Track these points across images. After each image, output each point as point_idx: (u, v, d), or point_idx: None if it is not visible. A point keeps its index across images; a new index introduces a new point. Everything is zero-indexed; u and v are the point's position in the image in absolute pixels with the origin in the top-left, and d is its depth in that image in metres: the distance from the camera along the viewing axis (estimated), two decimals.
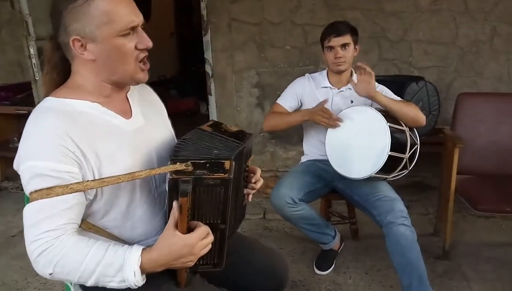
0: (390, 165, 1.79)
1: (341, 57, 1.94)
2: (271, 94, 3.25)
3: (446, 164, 2.24)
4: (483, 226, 2.55)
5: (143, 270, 0.91)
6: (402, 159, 1.82)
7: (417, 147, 1.88)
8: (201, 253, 0.95)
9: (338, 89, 2.05)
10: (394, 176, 1.89)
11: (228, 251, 1.05)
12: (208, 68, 3.35)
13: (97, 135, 0.96)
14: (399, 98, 2.00)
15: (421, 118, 1.89)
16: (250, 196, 1.20)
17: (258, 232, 2.59)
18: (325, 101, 1.95)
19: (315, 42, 3.03)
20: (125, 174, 0.92)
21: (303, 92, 2.09)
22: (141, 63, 1.00)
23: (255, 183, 1.18)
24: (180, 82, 6.01)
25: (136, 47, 0.97)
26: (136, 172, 0.93)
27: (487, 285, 1.99)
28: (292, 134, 3.24)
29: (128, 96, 1.10)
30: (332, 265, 2.16)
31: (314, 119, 1.91)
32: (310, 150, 2.16)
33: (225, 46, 3.26)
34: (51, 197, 0.88)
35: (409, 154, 1.83)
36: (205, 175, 0.90)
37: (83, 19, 0.92)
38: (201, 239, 0.93)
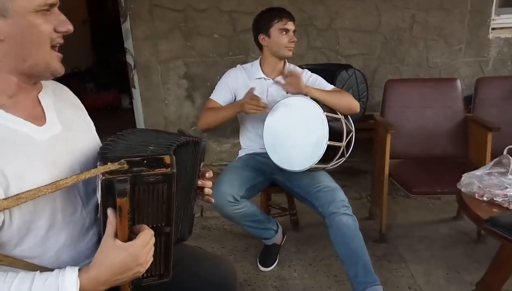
0: (329, 154, 1.77)
1: (294, 41, 1.92)
2: (201, 85, 3.10)
3: (379, 149, 2.29)
4: (413, 206, 2.68)
5: None
6: (340, 147, 1.82)
7: (353, 133, 1.90)
8: (148, 258, 0.82)
9: (273, 79, 1.98)
10: (333, 165, 1.89)
11: (173, 262, 0.93)
12: (129, 59, 3.09)
13: (1, 150, 0.77)
14: (332, 86, 2.00)
15: (355, 105, 1.93)
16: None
17: (196, 232, 2.45)
18: (252, 89, 1.87)
19: (243, 31, 2.93)
20: (46, 185, 0.77)
21: (236, 84, 1.99)
22: (56, 50, 0.84)
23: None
24: (96, 74, 5.55)
25: (55, 30, 0.82)
26: (60, 180, 0.78)
27: (423, 264, 2.08)
28: (225, 127, 3.12)
29: (40, 97, 0.90)
30: (276, 260, 2.12)
31: (244, 110, 1.82)
32: (248, 143, 2.08)
33: (147, 35, 3.03)
34: None
35: (345, 142, 1.84)
36: (144, 171, 0.78)
37: None
38: (146, 245, 0.81)
